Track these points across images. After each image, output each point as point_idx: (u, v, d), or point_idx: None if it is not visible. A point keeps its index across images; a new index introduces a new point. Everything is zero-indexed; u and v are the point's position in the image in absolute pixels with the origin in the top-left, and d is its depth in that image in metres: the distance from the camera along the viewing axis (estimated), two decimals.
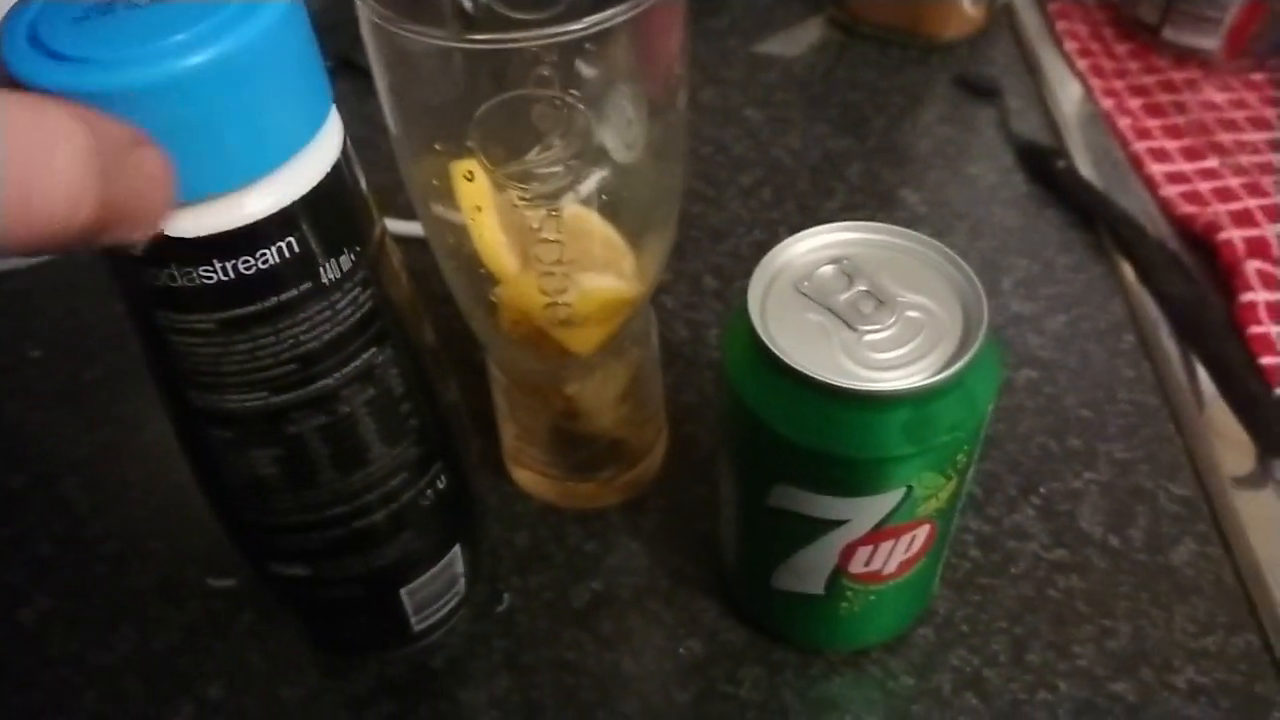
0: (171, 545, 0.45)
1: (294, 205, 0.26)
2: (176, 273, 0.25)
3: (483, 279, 0.35)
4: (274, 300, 0.27)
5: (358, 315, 0.29)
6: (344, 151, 0.27)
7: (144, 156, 0.21)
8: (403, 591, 0.37)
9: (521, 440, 0.44)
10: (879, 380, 0.30)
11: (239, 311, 0.26)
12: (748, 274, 0.33)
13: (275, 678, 0.40)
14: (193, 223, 0.25)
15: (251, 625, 0.42)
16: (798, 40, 0.73)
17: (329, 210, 0.27)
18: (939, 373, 0.30)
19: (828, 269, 0.33)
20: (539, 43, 0.27)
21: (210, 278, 0.26)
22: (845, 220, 0.34)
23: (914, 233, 0.33)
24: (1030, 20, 0.74)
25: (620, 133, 0.32)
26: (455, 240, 0.34)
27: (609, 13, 0.28)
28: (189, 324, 0.27)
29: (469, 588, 0.41)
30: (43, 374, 0.53)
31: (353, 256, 0.28)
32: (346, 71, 0.69)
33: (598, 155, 0.32)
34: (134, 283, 0.26)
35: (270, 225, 0.26)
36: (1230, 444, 0.46)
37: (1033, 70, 0.70)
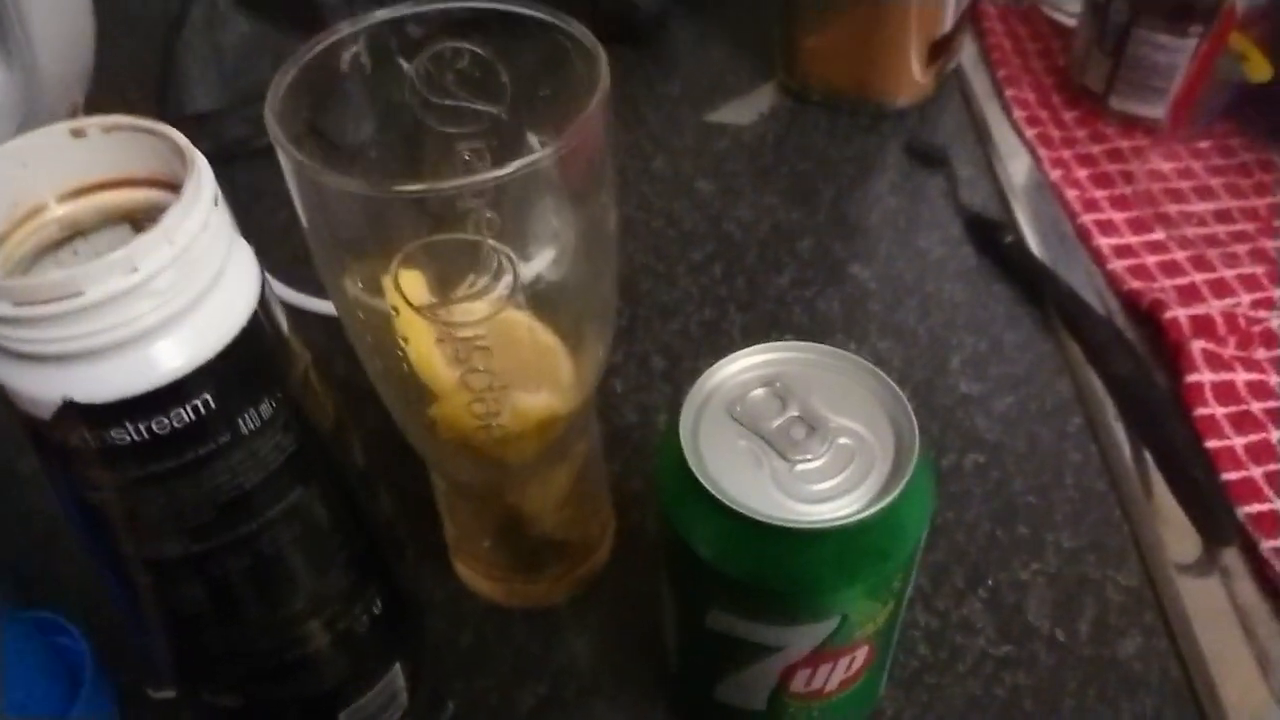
0: (110, 650, 0.44)
1: (209, 362, 0.25)
2: (87, 435, 0.25)
3: (415, 399, 0.35)
4: (190, 456, 0.26)
5: (281, 458, 0.28)
6: (262, 299, 0.27)
7: None
8: (341, 715, 0.36)
9: (464, 541, 0.44)
10: (809, 513, 0.29)
11: (154, 469, 0.26)
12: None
13: None
14: (102, 386, 0.24)
15: None
16: (749, 109, 0.73)
17: (247, 361, 0.26)
18: (870, 505, 0.29)
19: (760, 391, 0.33)
20: (462, 186, 0.27)
21: (123, 439, 0.25)
22: (778, 338, 0.34)
23: (846, 353, 0.33)
24: (980, 85, 0.75)
25: (547, 247, 0.32)
26: (385, 364, 0.34)
27: (535, 156, 0.27)
28: (102, 482, 0.26)
29: (411, 699, 0.40)
30: None
31: (273, 403, 0.27)
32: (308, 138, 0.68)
33: (524, 282, 0.31)
34: (43, 441, 0.26)
35: (185, 384, 0.25)
36: (1176, 530, 0.46)
37: (982, 138, 0.70)
